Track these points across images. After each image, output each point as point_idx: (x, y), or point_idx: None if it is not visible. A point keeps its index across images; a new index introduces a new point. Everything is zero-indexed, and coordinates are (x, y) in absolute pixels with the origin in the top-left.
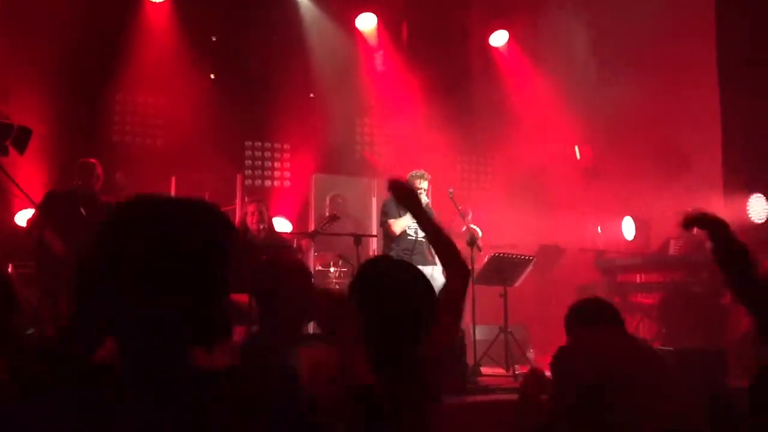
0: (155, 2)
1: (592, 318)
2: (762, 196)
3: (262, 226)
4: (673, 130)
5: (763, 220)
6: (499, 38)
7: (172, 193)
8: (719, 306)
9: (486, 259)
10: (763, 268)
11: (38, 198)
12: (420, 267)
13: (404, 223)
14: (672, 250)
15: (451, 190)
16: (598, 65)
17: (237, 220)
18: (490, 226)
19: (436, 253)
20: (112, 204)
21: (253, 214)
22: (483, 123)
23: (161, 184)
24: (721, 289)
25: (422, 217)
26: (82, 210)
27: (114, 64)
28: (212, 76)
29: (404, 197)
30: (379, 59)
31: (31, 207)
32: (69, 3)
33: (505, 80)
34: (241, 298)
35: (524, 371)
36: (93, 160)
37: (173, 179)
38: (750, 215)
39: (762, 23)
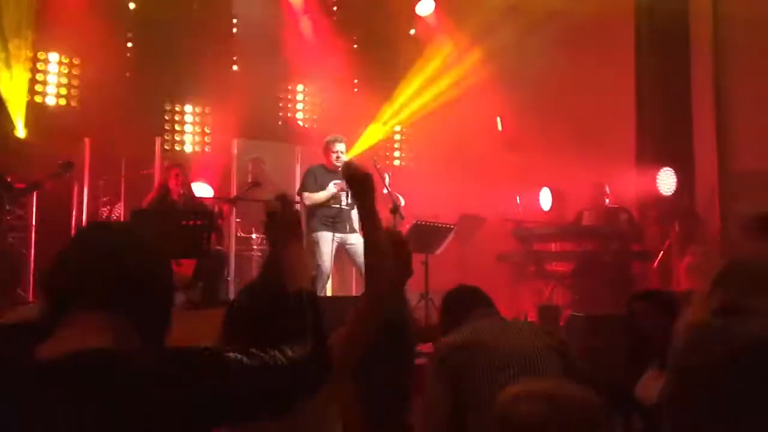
0: None
1: (465, 306)
2: (671, 169)
3: (182, 191)
4: (589, 103)
5: (671, 193)
6: (425, 7)
7: (86, 155)
8: (627, 275)
9: (408, 228)
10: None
11: None
12: (341, 235)
13: (317, 198)
14: (585, 220)
15: (375, 158)
16: (520, 36)
17: (156, 183)
18: (412, 196)
19: (365, 251)
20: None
21: (177, 176)
22: (407, 92)
23: (75, 146)
24: (629, 259)
25: (368, 209)
26: None
27: (27, 21)
28: (129, 44)
29: (355, 183)
30: (304, 24)
31: None
32: None
33: (431, 49)
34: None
35: None
36: None
37: (87, 141)
38: (660, 187)
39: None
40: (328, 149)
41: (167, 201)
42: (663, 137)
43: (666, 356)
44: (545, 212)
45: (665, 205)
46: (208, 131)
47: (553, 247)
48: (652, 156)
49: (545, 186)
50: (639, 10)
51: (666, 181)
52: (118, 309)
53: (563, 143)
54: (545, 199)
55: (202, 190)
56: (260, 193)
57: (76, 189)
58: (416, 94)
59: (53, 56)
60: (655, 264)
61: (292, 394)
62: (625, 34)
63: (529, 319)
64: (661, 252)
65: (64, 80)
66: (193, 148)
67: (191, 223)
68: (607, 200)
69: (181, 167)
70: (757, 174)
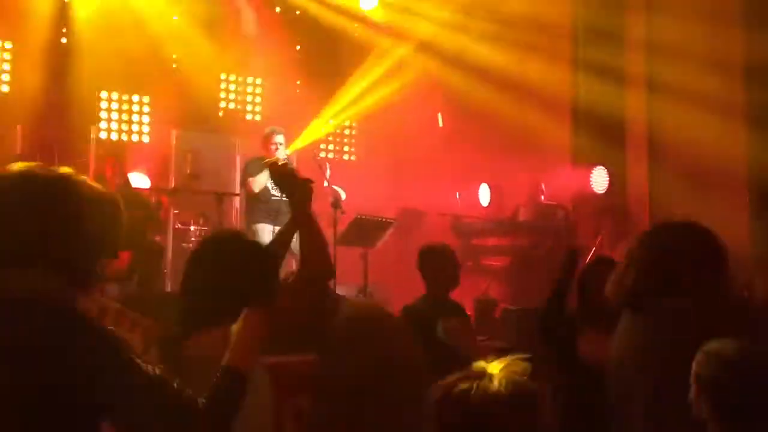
0: None
1: None
2: (603, 168)
3: (118, 181)
4: (527, 102)
5: (604, 191)
6: (368, 2)
7: (18, 142)
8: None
9: (349, 221)
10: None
11: None
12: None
13: (263, 180)
14: (521, 216)
15: (315, 152)
16: (459, 33)
17: (91, 174)
18: (352, 190)
19: (301, 248)
20: None
21: (112, 166)
22: (349, 86)
23: (6, 134)
24: (561, 254)
25: (299, 207)
26: None
27: None
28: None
29: (284, 181)
30: (247, 15)
31: None
32: None
33: (373, 45)
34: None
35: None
36: None
37: (19, 128)
38: (593, 185)
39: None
40: (266, 140)
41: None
42: (597, 136)
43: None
44: (484, 208)
45: (598, 202)
46: (145, 121)
47: (491, 241)
48: (586, 155)
49: (484, 182)
50: (576, 7)
51: (599, 179)
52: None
53: (502, 141)
54: (484, 194)
55: (138, 180)
56: (199, 185)
57: None
58: (362, 91)
59: None
60: (588, 259)
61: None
62: (563, 32)
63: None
64: (594, 248)
65: None
66: (129, 138)
67: (127, 213)
68: (542, 197)
69: (116, 157)
70: (686, 173)
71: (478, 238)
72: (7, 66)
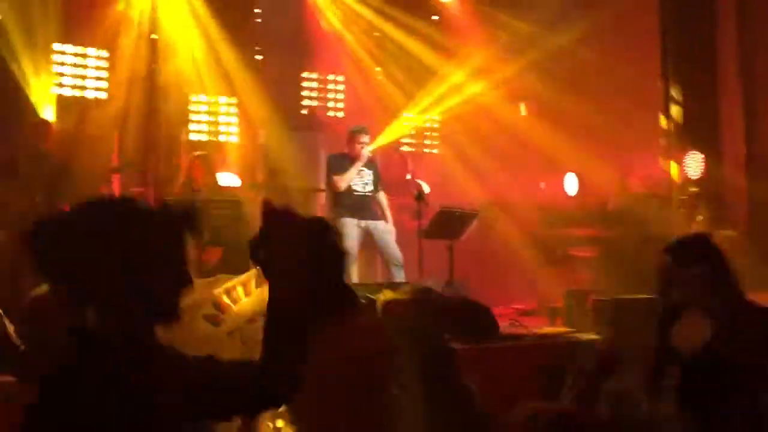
0: None
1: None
2: (698, 153)
3: (206, 181)
4: (615, 88)
5: (698, 176)
6: None
7: (115, 147)
8: (650, 260)
9: (434, 214)
10: None
11: None
12: (366, 221)
13: (347, 177)
14: (610, 205)
15: (398, 146)
16: (549, 19)
17: (181, 173)
18: (436, 183)
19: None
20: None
21: (199, 166)
22: (428, 79)
23: (105, 140)
24: (656, 243)
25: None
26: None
27: (54, 14)
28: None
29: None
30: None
31: None
32: None
33: (453, 33)
34: None
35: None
36: None
37: (116, 134)
38: (687, 171)
39: None
40: (352, 139)
41: (191, 190)
42: (689, 121)
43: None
44: (570, 197)
45: (692, 189)
46: (233, 122)
47: (579, 232)
48: (678, 140)
49: (570, 171)
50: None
51: (693, 164)
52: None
53: (588, 128)
54: (571, 184)
55: (228, 179)
56: (285, 181)
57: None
58: (447, 87)
59: (80, 49)
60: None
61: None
62: (650, 17)
63: (555, 305)
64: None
65: (92, 72)
66: (218, 138)
67: (217, 212)
68: (633, 185)
69: (203, 157)
70: None
71: (566, 228)
72: (104, 74)
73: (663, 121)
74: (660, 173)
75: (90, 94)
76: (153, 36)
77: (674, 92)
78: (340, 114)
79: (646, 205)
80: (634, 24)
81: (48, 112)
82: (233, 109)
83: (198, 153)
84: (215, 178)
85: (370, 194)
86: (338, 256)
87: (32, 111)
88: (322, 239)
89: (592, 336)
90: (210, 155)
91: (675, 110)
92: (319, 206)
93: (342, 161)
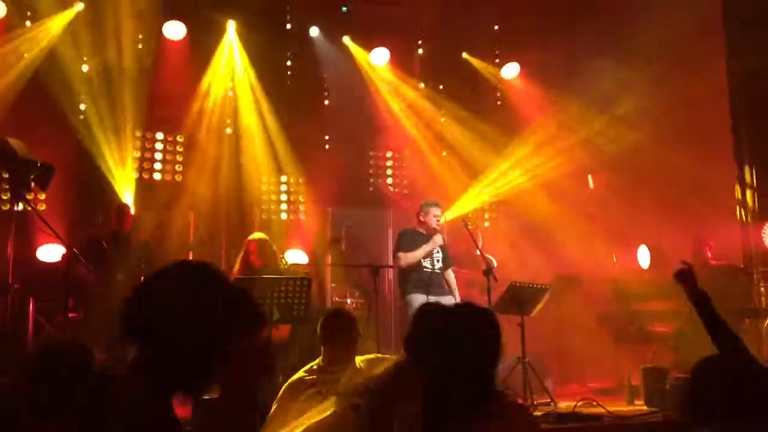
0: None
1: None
2: None
3: (263, 261)
4: (686, 156)
5: None
6: (510, 70)
7: (191, 226)
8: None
9: (504, 289)
10: None
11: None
12: (435, 297)
13: (415, 255)
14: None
15: (466, 221)
16: (611, 92)
17: (240, 255)
18: (505, 259)
19: None
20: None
21: (254, 249)
22: (499, 161)
23: (182, 221)
24: (737, 318)
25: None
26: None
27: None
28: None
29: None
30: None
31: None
32: None
33: (519, 110)
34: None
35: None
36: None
37: (191, 215)
38: (766, 242)
39: None
40: (425, 213)
41: (251, 270)
42: (766, 188)
43: None
44: (643, 270)
45: None
46: (302, 200)
47: (654, 306)
48: (755, 209)
49: (643, 243)
50: (730, 54)
51: None
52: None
53: (660, 199)
54: (643, 257)
55: (296, 257)
56: (354, 258)
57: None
58: (511, 165)
59: (159, 135)
60: (767, 322)
61: None
62: (719, 81)
63: (633, 383)
64: None
65: (170, 157)
66: (288, 217)
67: (282, 289)
68: (709, 255)
69: (258, 240)
70: None
71: (640, 303)
72: (180, 158)
73: (738, 192)
74: (736, 245)
75: (168, 177)
76: (227, 130)
77: (749, 158)
78: (406, 191)
79: (725, 276)
80: (705, 95)
81: (128, 196)
82: (302, 188)
83: (255, 236)
84: (275, 257)
85: (439, 271)
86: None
87: (115, 196)
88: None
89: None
90: (281, 233)
91: (750, 177)
92: (387, 282)
93: (414, 236)
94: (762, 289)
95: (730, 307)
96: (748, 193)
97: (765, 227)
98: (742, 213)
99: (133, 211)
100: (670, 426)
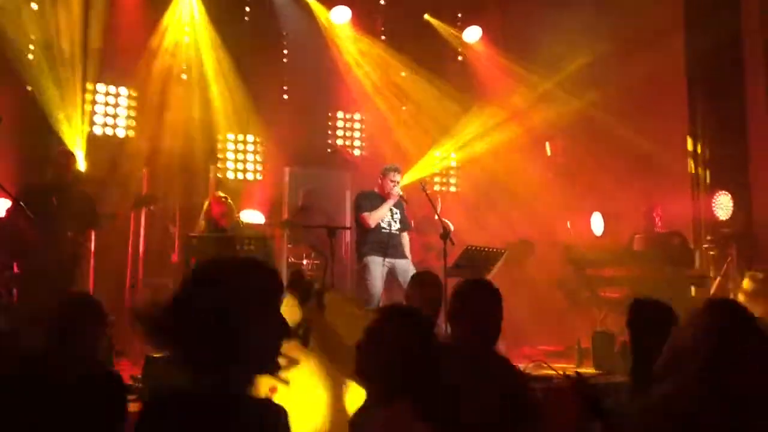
0: None
1: None
2: (727, 193)
3: (230, 219)
4: (641, 127)
5: (728, 217)
6: (472, 34)
7: (144, 184)
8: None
9: (459, 252)
10: None
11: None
12: (391, 260)
13: (377, 215)
14: (636, 245)
15: (423, 185)
16: (570, 61)
17: (203, 212)
18: (461, 223)
19: None
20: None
21: (218, 205)
22: (453, 120)
23: (133, 176)
24: (684, 284)
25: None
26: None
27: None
28: (184, 76)
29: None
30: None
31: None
32: None
33: (480, 75)
34: None
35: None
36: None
37: (144, 171)
38: (716, 211)
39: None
40: (384, 177)
41: (216, 229)
42: (718, 160)
43: None
44: (596, 237)
45: (722, 229)
46: (260, 159)
47: (606, 272)
48: (706, 179)
49: (597, 211)
50: (689, 29)
51: (723, 204)
52: None
53: (615, 168)
54: (597, 223)
55: (253, 217)
56: (310, 219)
57: (132, 215)
58: (474, 126)
59: (112, 89)
60: (713, 289)
61: None
62: (676, 54)
63: (583, 346)
64: (718, 277)
65: (123, 112)
66: (245, 176)
67: (245, 248)
68: (658, 224)
69: (221, 197)
70: None
71: (593, 269)
72: (132, 113)
73: (691, 164)
74: (686, 213)
75: (120, 133)
76: (183, 76)
77: (702, 130)
78: (366, 152)
79: (666, 242)
80: (662, 68)
81: (79, 150)
82: (259, 148)
83: (219, 194)
84: (237, 216)
85: (396, 233)
86: None
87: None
88: None
89: (621, 378)
90: (235, 193)
91: (703, 149)
92: (345, 244)
93: (372, 199)
94: (711, 254)
95: (674, 272)
96: (701, 166)
97: (715, 198)
98: (695, 184)
99: (84, 167)
100: (615, 388)
